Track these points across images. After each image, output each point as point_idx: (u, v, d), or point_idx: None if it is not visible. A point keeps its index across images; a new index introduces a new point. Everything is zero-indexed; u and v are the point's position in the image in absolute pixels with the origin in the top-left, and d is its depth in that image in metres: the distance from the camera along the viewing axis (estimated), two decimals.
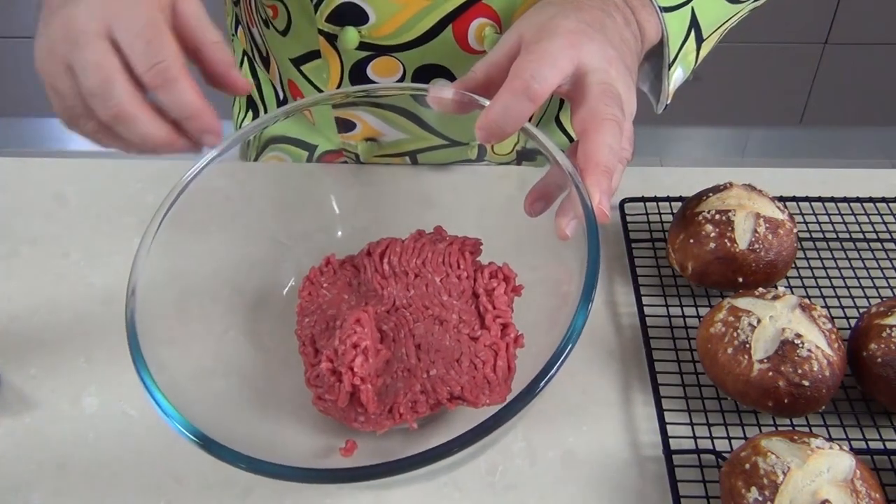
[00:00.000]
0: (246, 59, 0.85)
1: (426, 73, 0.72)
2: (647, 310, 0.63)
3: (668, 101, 0.64)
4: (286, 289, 0.62)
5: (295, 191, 0.66)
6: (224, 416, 0.50)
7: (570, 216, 0.50)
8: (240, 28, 0.85)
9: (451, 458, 0.50)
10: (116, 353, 0.61)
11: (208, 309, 0.57)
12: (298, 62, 0.75)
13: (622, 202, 0.72)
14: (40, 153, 2.27)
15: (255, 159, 0.83)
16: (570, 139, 0.83)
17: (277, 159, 0.82)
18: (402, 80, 0.72)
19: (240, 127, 0.88)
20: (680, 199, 0.71)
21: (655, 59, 0.63)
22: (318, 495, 0.53)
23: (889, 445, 0.55)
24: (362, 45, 0.70)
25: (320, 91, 0.76)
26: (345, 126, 0.76)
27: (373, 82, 0.73)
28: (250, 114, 0.86)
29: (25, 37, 2.01)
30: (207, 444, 0.44)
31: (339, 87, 0.74)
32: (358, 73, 0.72)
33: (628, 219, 0.70)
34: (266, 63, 0.81)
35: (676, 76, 0.63)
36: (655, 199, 0.72)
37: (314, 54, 0.73)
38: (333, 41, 0.70)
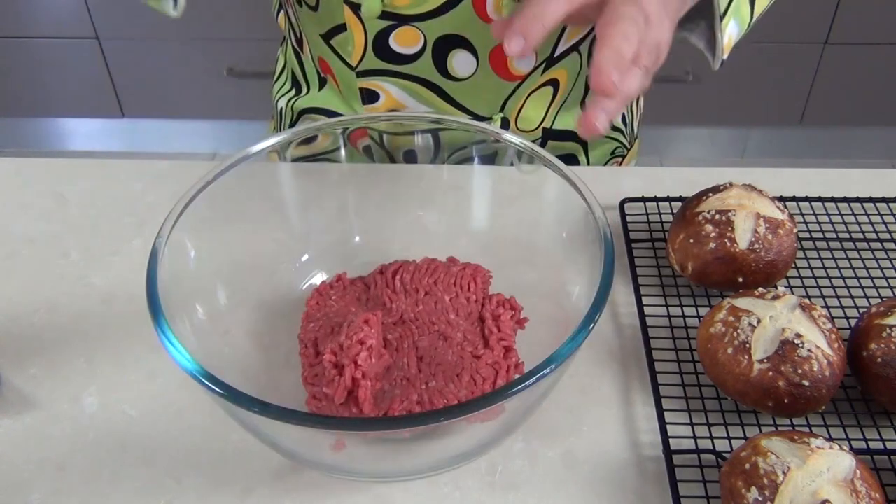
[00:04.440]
0: (288, 42, 0.88)
1: (446, 43, 0.74)
2: (647, 310, 0.63)
3: (725, 57, 0.65)
4: (289, 289, 0.62)
5: (299, 191, 0.66)
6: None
7: (599, 108, 0.49)
8: (281, 12, 0.88)
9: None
10: (116, 353, 0.61)
11: (212, 307, 0.57)
12: (327, 37, 0.78)
13: (622, 202, 0.72)
14: (40, 153, 2.27)
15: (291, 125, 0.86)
16: None
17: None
18: (423, 50, 0.74)
19: (278, 95, 0.90)
20: (680, 199, 0.71)
21: (711, 18, 0.64)
22: (319, 495, 0.53)
23: (889, 445, 0.55)
24: (384, 15, 0.72)
25: (348, 65, 0.78)
26: (369, 97, 0.78)
27: (394, 52, 0.75)
28: (293, 90, 0.88)
29: (26, 37, 2.01)
30: (219, 386, 0.44)
31: (363, 57, 0.76)
32: (381, 44, 0.74)
33: (628, 219, 0.70)
34: (300, 44, 0.84)
35: (731, 30, 0.64)
36: (655, 199, 0.72)
37: (341, 28, 0.75)
38: (358, 11, 0.73)
